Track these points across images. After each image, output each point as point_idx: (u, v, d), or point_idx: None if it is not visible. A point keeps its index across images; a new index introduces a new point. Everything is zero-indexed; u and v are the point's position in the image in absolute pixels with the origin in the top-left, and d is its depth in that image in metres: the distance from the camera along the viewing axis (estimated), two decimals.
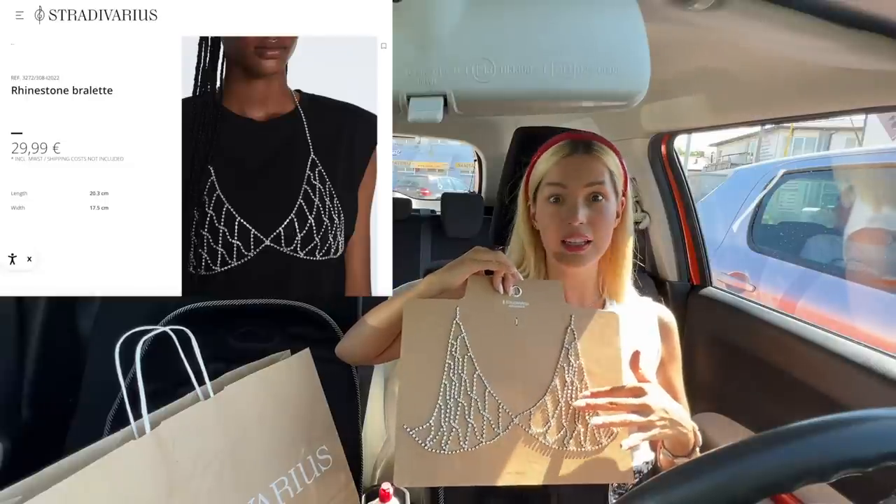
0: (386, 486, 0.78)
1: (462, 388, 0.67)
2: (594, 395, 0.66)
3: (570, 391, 0.68)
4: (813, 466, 0.32)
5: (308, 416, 0.76)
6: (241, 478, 0.65)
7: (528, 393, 0.68)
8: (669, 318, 0.84)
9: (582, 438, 0.67)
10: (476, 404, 0.67)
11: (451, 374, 0.68)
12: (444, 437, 0.66)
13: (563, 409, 0.68)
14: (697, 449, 0.72)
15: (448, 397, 0.67)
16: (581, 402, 0.66)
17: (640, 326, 0.81)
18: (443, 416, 0.66)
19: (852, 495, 0.81)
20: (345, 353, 0.82)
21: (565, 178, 0.74)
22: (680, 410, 0.68)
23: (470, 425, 0.67)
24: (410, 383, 0.68)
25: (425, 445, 0.65)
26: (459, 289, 0.70)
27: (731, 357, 1.15)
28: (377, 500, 0.77)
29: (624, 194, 0.78)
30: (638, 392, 0.65)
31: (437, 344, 0.68)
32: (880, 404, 0.36)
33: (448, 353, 0.68)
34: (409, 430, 0.66)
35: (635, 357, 0.69)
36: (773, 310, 1.10)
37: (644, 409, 0.64)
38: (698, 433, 0.71)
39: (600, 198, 0.73)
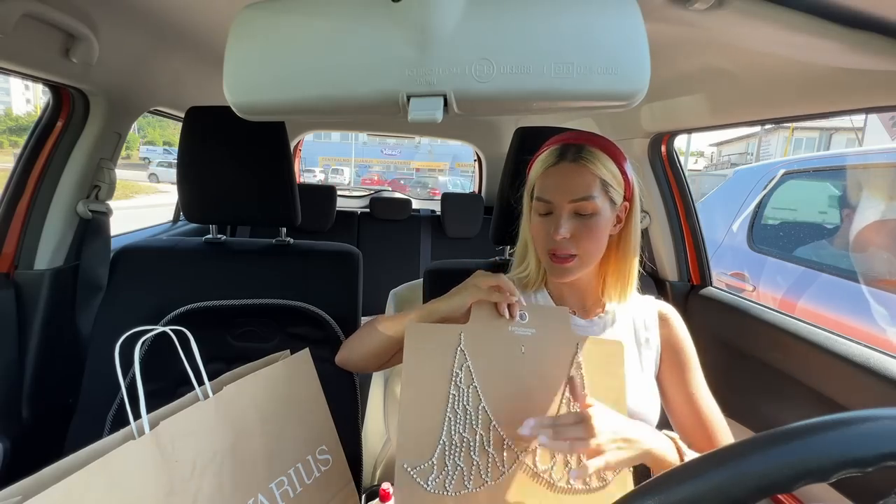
0: (386, 485, 0.78)
1: (467, 421, 0.64)
2: (538, 423, 0.59)
3: None
4: (813, 466, 0.32)
5: (308, 416, 0.76)
6: (240, 478, 0.65)
7: None
8: (669, 310, 0.83)
9: (587, 475, 0.63)
10: (481, 439, 0.63)
11: (455, 407, 0.64)
12: (448, 477, 0.62)
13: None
14: (687, 459, 0.63)
15: (453, 432, 0.63)
16: (525, 430, 0.58)
17: (640, 324, 0.81)
18: (447, 453, 0.62)
19: (852, 495, 0.81)
20: (348, 361, 0.82)
21: (550, 192, 0.72)
22: (636, 428, 0.61)
23: (475, 462, 0.63)
24: (412, 417, 0.63)
25: (427, 486, 0.62)
26: (463, 313, 0.69)
27: (731, 357, 1.15)
28: (377, 500, 0.77)
29: (626, 198, 0.75)
30: (580, 416, 0.59)
31: (440, 373, 0.64)
32: (880, 404, 0.36)
33: (452, 383, 0.64)
34: (409, 468, 0.62)
35: (571, 384, 0.65)
36: (773, 310, 1.09)
37: (587, 432, 0.57)
38: (683, 447, 0.63)
39: (588, 212, 0.71)
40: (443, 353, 0.65)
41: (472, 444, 0.63)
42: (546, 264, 0.76)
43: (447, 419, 0.63)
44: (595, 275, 0.80)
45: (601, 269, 0.80)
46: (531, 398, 0.65)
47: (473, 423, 0.64)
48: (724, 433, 0.75)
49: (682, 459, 0.62)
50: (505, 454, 0.64)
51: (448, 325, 0.67)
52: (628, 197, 0.75)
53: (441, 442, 0.63)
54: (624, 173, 0.74)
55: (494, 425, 0.64)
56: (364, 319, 1.48)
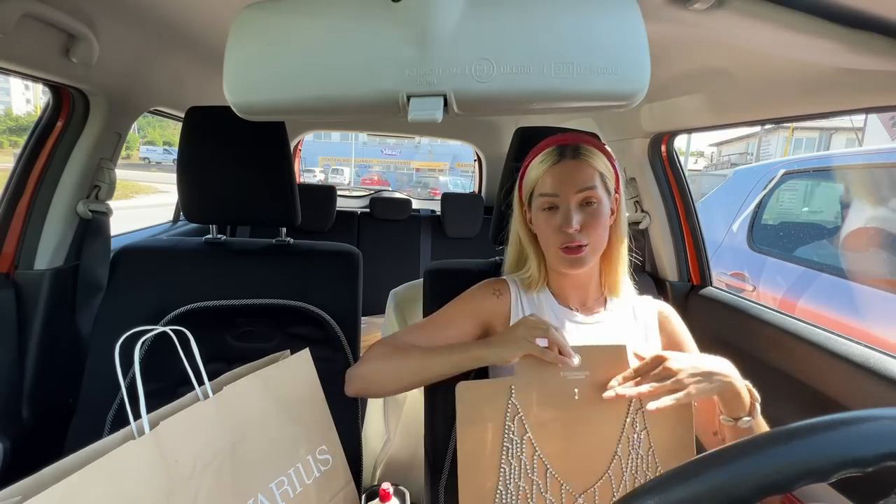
0: (386, 485, 0.78)
1: (522, 470, 0.65)
2: (621, 383, 0.66)
3: (634, 462, 0.66)
4: (813, 466, 0.32)
5: (308, 416, 0.76)
6: (240, 478, 0.65)
7: (591, 469, 0.66)
8: (668, 310, 0.85)
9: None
10: (537, 486, 0.65)
11: (509, 458, 0.65)
12: None
13: (628, 481, 0.65)
14: (758, 406, 0.67)
15: (508, 481, 0.65)
16: (611, 394, 0.64)
17: (640, 323, 0.82)
18: (504, 501, 0.65)
19: (852, 495, 0.81)
20: (367, 392, 0.81)
21: (556, 186, 0.75)
22: (715, 362, 0.66)
23: None
24: (469, 469, 0.66)
25: None
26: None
27: (731, 357, 1.14)
28: (377, 500, 0.77)
29: (616, 191, 0.78)
30: (657, 361, 0.65)
31: (492, 427, 0.66)
32: (880, 404, 0.36)
33: (505, 435, 0.66)
34: None
35: (634, 351, 0.68)
36: (773, 310, 1.09)
37: (666, 373, 0.63)
38: (753, 390, 0.68)
39: (593, 202, 0.74)
40: (494, 408, 0.66)
41: (528, 491, 0.66)
42: (556, 258, 0.76)
43: (502, 470, 0.66)
44: (594, 270, 0.81)
45: (599, 264, 0.81)
46: (588, 442, 0.66)
47: (528, 472, 0.66)
48: None
49: (753, 403, 0.67)
50: (563, 498, 0.66)
51: (497, 380, 0.68)
52: (616, 189, 0.79)
53: (498, 490, 0.66)
54: (613, 167, 0.78)
55: (551, 472, 0.66)
56: (364, 320, 1.48)
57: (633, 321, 0.82)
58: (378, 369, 0.76)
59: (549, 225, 0.75)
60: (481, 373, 0.82)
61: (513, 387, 0.66)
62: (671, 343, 0.82)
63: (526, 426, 0.65)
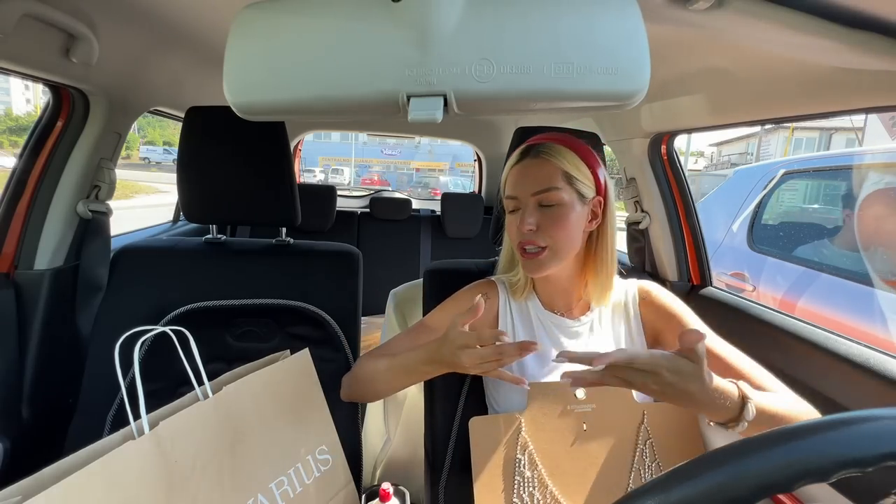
0: (386, 485, 0.78)
1: (534, 503, 0.66)
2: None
3: None
4: (813, 466, 0.32)
5: (308, 416, 0.76)
6: (240, 478, 0.65)
7: (603, 502, 0.65)
8: (650, 285, 0.83)
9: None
10: None
11: (521, 492, 0.65)
12: None
13: None
14: (750, 406, 0.56)
15: None
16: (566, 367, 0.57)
17: (626, 316, 0.81)
18: None
19: (852, 495, 0.81)
20: (357, 397, 0.81)
21: (515, 188, 0.74)
22: (700, 392, 0.54)
23: None
24: (484, 502, 0.66)
25: None
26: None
27: None
28: (377, 500, 0.77)
29: (599, 193, 0.75)
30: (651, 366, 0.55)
31: (504, 462, 0.66)
32: (880, 404, 0.36)
33: (516, 469, 0.66)
34: None
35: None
36: (773, 310, 1.09)
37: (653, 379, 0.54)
38: (744, 388, 0.57)
39: (552, 203, 0.71)
40: (504, 442, 0.67)
41: None
42: (520, 260, 0.77)
43: (514, 503, 0.66)
44: (578, 275, 0.80)
45: (583, 270, 0.80)
46: (599, 474, 0.66)
47: None
48: (754, 370, 0.67)
49: (743, 407, 0.57)
50: None
51: (507, 414, 0.68)
52: (601, 193, 0.75)
53: None
54: (590, 169, 0.74)
55: None
56: (364, 320, 1.47)
57: (619, 320, 0.81)
58: (361, 376, 0.79)
59: (511, 226, 0.75)
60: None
61: (522, 419, 0.67)
62: (658, 315, 0.79)
63: (537, 459, 0.66)
